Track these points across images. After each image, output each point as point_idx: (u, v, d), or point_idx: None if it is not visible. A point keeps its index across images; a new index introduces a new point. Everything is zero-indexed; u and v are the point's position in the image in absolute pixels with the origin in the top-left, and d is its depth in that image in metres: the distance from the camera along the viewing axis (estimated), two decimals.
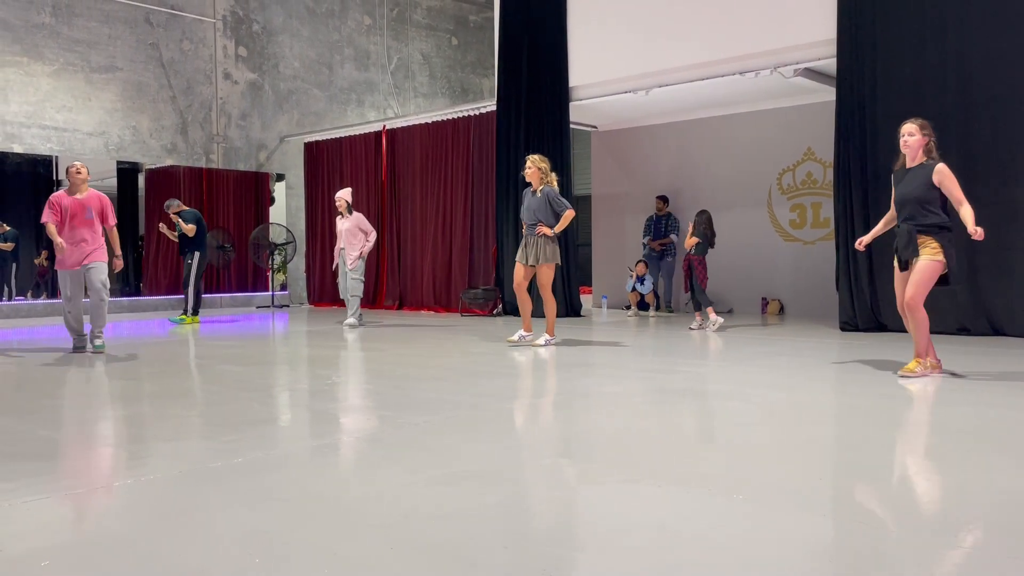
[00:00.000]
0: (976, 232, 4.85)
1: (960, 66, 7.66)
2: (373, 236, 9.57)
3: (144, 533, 2.41)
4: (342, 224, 9.55)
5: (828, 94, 9.16)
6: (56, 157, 11.91)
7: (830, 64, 8.58)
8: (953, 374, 5.27)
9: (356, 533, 2.40)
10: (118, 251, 7.12)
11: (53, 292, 12.04)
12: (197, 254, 10.23)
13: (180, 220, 10.09)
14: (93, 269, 6.85)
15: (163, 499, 2.74)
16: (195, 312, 10.32)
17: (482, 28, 17.41)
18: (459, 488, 2.82)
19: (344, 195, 9.66)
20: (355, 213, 9.60)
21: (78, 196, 6.91)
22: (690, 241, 8.79)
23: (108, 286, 6.93)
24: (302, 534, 2.37)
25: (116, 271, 7.10)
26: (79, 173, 6.93)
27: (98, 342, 6.91)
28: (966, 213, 4.95)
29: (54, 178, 11.95)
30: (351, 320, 9.50)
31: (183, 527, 2.45)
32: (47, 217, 6.76)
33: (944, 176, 5.00)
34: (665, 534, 2.35)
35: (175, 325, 9.99)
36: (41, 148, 11.79)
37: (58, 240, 6.72)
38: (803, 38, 8.66)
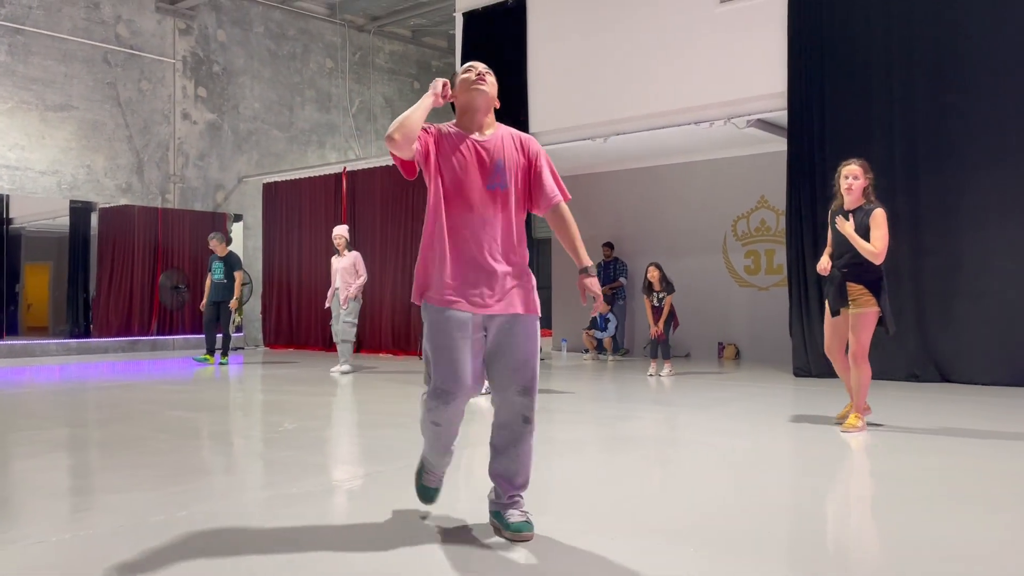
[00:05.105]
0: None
1: (906, 118, 7.93)
2: (363, 279, 8.96)
3: None
4: (338, 262, 9.05)
5: (780, 144, 9.40)
6: (7, 196, 11.67)
7: (781, 116, 8.83)
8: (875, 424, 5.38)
9: None
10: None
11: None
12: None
13: (227, 265, 10.07)
14: (518, 336, 2.80)
15: (101, 555, 2.65)
16: (211, 352, 10.31)
17: (444, 73, 17.60)
18: (415, 543, 2.77)
19: (343, 232, 9.16)
20: (353, 251, 9.19)
21: (477, 136, 3.01)
22: (668, 300, 8.68)
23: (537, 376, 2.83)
24: None
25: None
26: (485, 77, 3.15)
27: (518, 519, 2.81)
28: (866, 247, 4.95)
29: (4, 216, 11.70)
30: (344, 367, 8.91)
31: None
32: (416, 155, 2.91)
33: (875, 222, 4.97)
34: None
35: (209, 364, 10.14)
36: None
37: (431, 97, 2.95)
38: (755, 90, 8.91)
